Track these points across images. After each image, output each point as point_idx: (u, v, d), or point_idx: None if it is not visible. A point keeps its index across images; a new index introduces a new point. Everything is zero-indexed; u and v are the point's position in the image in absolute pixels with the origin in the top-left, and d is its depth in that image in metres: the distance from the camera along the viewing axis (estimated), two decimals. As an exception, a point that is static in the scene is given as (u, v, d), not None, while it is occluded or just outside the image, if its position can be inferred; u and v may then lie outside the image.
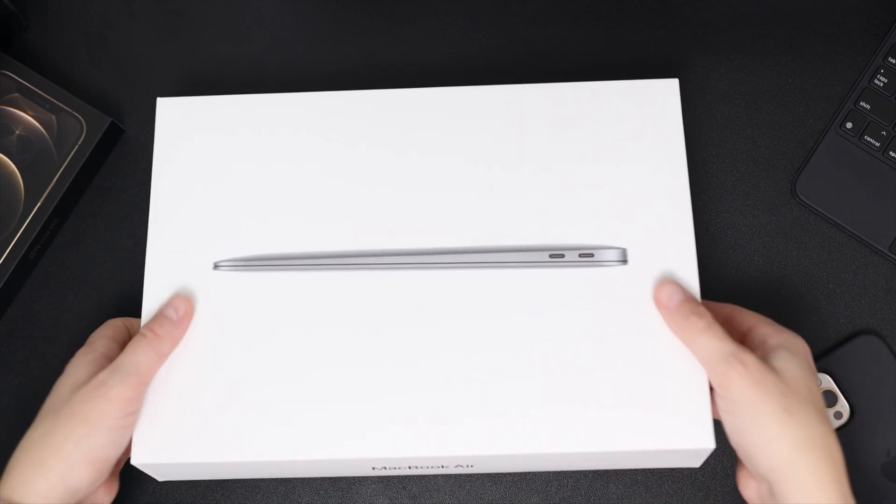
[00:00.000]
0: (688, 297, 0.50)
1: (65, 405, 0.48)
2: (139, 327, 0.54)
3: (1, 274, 0.59)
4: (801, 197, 0.61)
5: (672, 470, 0.58)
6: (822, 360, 0.58)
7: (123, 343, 0.53)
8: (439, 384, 0.50)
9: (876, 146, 0.61)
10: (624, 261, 0.51)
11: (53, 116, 0.61)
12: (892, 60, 0.62)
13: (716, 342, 0.47)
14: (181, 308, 0.51)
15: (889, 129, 0.61)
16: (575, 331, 0.50)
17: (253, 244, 0.53)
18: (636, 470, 0.58)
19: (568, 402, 0.49)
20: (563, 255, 0.51)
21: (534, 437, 0.49)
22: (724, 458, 0.58)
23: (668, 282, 0.50)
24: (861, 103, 0.62)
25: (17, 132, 0.61)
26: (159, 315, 0.51)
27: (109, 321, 0.54)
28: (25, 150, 0.61)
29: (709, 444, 0.48)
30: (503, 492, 0.58)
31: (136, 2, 0.66)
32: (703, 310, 0.49)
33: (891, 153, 0.61)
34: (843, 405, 0.57)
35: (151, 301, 0.52)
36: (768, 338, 0.49)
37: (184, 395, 0.50)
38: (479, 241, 0.52)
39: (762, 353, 0.48)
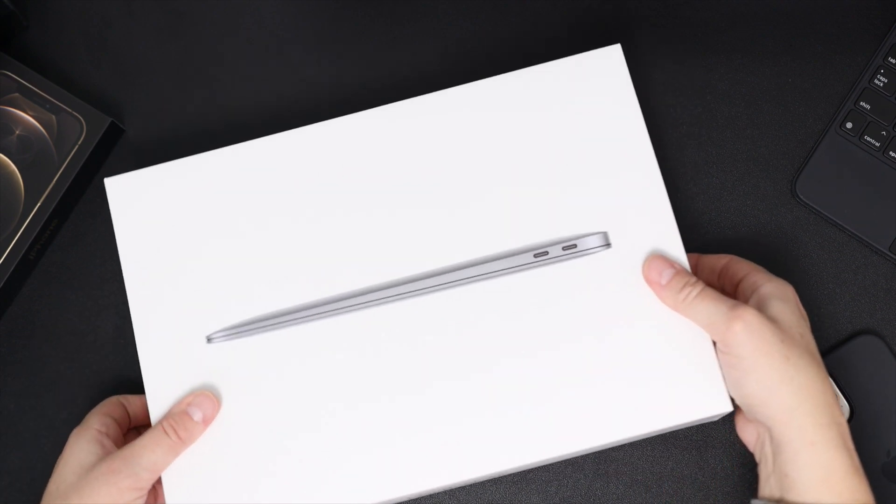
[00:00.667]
0: (677, 269, 0.50)
1: (72, 489, 0.48)
2: (137, 405, 0.54)
3: (1, 274, 0.59)
4: (801, 197, 0.61)
5: (672, 470, 0.58)
6: (823, 359, 0.58)
7: (121, 421, 0.53)
8: (459, 406, 0.50)
9: (876, 146, 0.61)
10: (607, 244, 0.51)
11: (53, 116, 0.61)
12: (892, 60, 0.62)
13: (712, 305, 0.48)
14: (208, 410, 0.50)
15: (889, 129, 0.61)
16: (575, 324, 0.50)
17: (239, 308, 0.52)
18: (636, 470, 0.58)
19: (586, 396, 0.50)
20: (546, 253, 0.51)
21: (563, 439, 0.49)
22: (725, 459, 0.58)
23: (655, 258, 0.51)
24: (861, 103, 0.62)
25: (17, 132, 0.61)
26: (183, 414, 0.49)
27: (106, 399, 0.54)
28: (25, 150, 0.61)
29: (726, 408, 0.49)
30: (503, 492, 0.58)
31: (136, 2, 0.66)
32: (693, 277, 0.49)
33: (891, 153, 0.61)
34: (843, 405, 0.57)
35: (155, 390, 0.51)
36: (760, 286, 0.50)
37: (213, 473, 0.50)
38: (462, 256, 0.52)
39: (756, 302, 0.49)
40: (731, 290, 0.53)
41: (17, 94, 0.61)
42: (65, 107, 0.61)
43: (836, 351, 0.59)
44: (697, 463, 0.58)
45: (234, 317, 0.52)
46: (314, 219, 0.53)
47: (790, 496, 0.45)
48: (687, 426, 0.54)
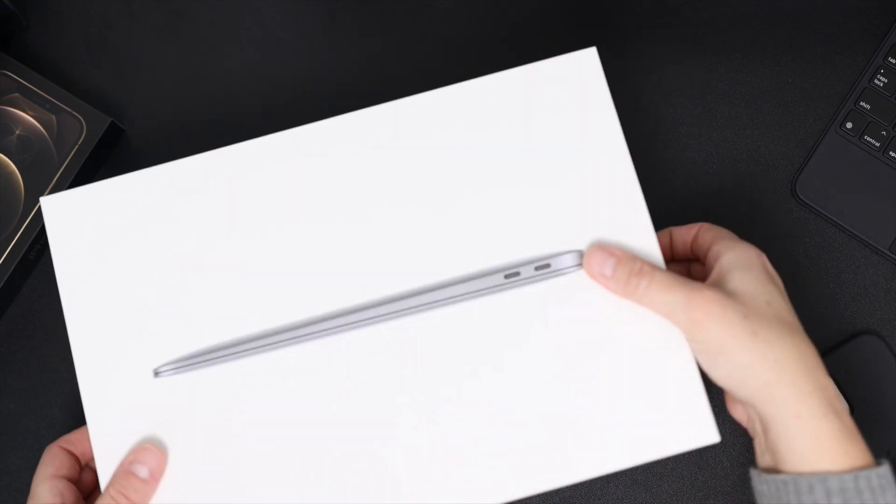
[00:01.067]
0: (620, 257, 0.47)
1: None
2: (83, 443, 0.51)
3: (1, 274, 0.59)
4: (801, 197, 0.61)
5: (672, 470, 0.58)
6: (823, 360, 0.58)
7: (72, 473, 0.50)
8: (427, 442, 0.46)
9: (876, 146, 0.61)
10: (581, 263, 0.48)
11: (53, 116, 0.61)
12: (892, 60, 0.62)
13: (668, 294, 0.45)
14: (153, 464, 0.45)
15: (889, 129, 0.61)
16: (552, 351, 0.47)
17: (188, 339, 0.48)
18: (636, 470, 0.58)
19: (568, 429, 0.46)
20: (518, 273, 0.47)
21: (543, 474, 0.46)
22: (724, 459, 0.58)
23: (594, 250, 0.47)
24: (861, 103, 0.62)
25: (17, 132, 0.61)
26: (127, 473, 0.45)
27: (46, 455, 0.50)
28: (25, 150, 0.61)
29: (713, 438, 0.47)
30: (503, 492, 0.58)
31: (136, 2, 0.66)
32: (638, 264, 0.46)
33: (891, 153, 0.61)
34: (842, 405, 0.57)
35: (101, 437, 0.47)
36: (721, 255, 0.47)
37: None
38: (429, 278, 0.48)
39: (717, 275, 0.47)
40: (703, 257, 0.50)
41: (17, 94, 0.61)
42: (65, 107, 0.61)
43: (836, 351, 0.59)
44: (697, 463, 0.58)
45: (184, 348, 0.48)
46: (267, 240, 0.49)
47: (786, 468, 0.44)
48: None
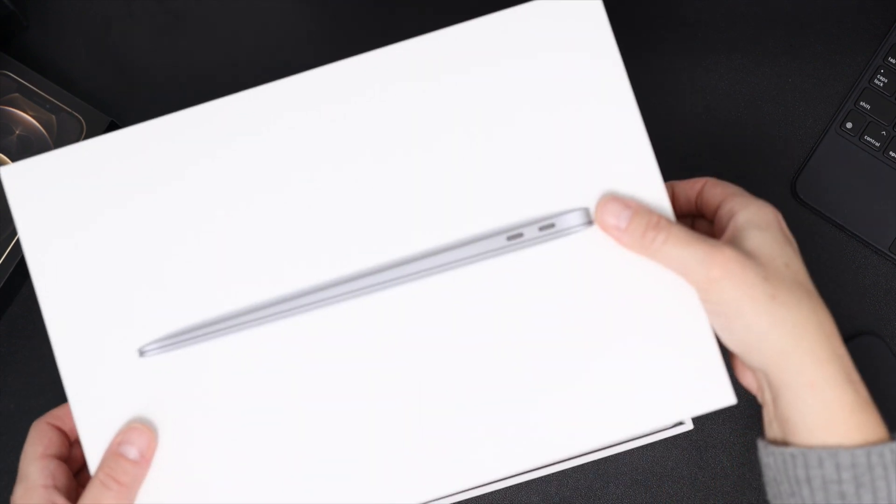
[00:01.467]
0: (636, 209, 0.44)
1: None
2: (66, 417, 0.48)
3: (1, 274, 0.59)
4: (801, 197, 0.61)
5: (672, 470, 0.58)
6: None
7: (61, 451, 0.47)
8: (434, 414, 0.44)
9: (876, 146, 0.61)
10: (589, 221, 0.45)
11: (53, 116, 0.61)
12: (892, 60, 0.62)
13: (685, 251, 0.43)
14: (142, 444, 0.43)
15: (889, 129, 0.61)
16: (559, 315, 0.45)
17: (174, 314, 0.45)
18: (636, 470, 0.58)
19: (581, 395, 0.44)
20: (521, 234, 0.45)
21: (559, 442, 0.44)
22: (724, 459, 0.58)
23: (608, 200, 0.45)
24: (861, 103, 0.62)
25: (17, 132, 0.61)
26: (116, 455, 0.43)
27: (33, 430, 0.48)
28: (25, 150, 0.61)
29: (729, 400, 0.44)
30: (503, 491, 0.58)
31: (136, 2, 0.66)
32: (655, 218, 0.44)
33: (891, 153, 0.61)
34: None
35: (85, 420, 0.44)
36: (736, 213, 0.45)
37: None
38: (427, 242, 0.45)
39: (732, 234, 0.45)
40: (710, 216, 0.49)
41: (17, 94, 0.61)
42: (65, 107, 0.61)
43: (836, 351, 0.59)
44: (697, 463, 0.58)
45: (169, 325, 0.45)
46: (253, 207, 0.45)
47: (795, 439, 0.42)
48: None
